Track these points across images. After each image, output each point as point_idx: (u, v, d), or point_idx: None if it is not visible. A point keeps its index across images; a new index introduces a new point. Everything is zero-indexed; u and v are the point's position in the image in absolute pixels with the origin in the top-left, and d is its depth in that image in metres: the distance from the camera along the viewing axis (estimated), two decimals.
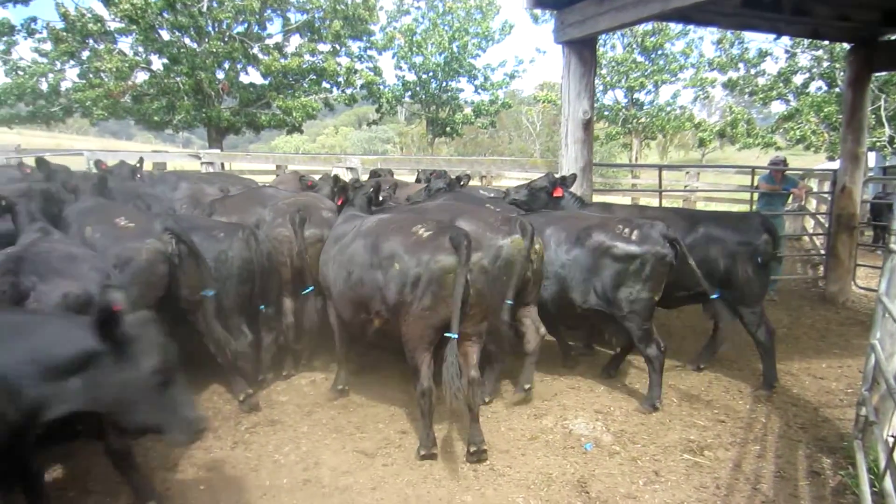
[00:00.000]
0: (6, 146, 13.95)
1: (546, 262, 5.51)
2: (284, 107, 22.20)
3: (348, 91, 24.23)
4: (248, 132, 24.60)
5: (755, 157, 26.50)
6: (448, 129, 29.47)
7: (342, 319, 5.24)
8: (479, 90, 29.14)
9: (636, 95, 29.36)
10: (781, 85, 24.15)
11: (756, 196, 10.51)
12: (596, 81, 7.94)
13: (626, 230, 5.34)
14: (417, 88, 28.44)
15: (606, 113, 29.07)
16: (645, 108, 29.53)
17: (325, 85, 23.88)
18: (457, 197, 6.94)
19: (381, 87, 25.94)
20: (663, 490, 4.17)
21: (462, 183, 8.07)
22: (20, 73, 20.54)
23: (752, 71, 25.27)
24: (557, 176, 6.90)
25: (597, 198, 10.15)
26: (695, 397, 5.75)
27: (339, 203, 5.85)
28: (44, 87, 20.86)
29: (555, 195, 6.74)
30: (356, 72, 23.89)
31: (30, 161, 9.83)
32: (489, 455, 4.49)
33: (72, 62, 21.10)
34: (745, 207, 14.77)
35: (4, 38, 20.44)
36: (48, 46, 20.79)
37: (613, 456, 4.62)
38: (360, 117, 57.47)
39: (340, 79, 23.57)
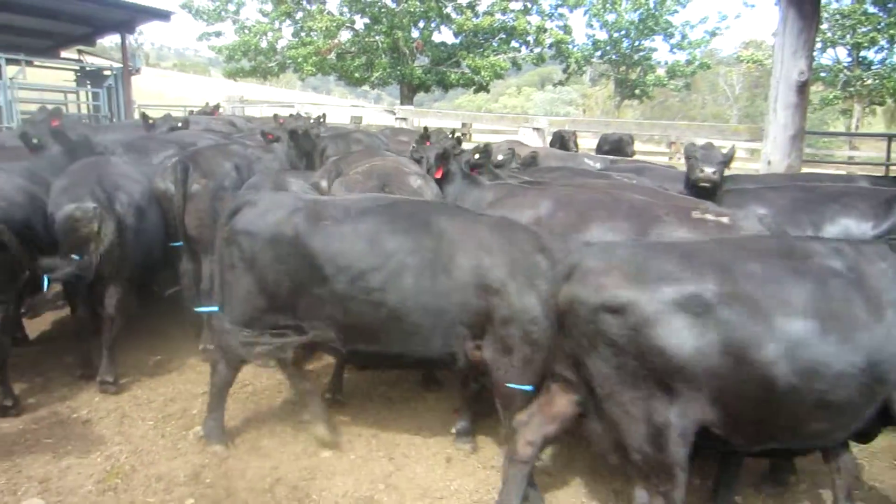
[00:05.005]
0: (233, 96, 16.17)
1: None
2: (474, 66, 22.58)
3: (537, 50, 24.03)
4: (437, 90, 25.41)
5: None
6: (637, 91, 28.16)
7: None
8: (675, 49, 27.44)
9: (863, 53, 25.84)
10: None
11: None
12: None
13: None
14: (608, 48, 27.43)
15: (823, 74, 25.99)
16: (873, 67, 25.92)
17: (514, 44, 23.90)
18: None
19: (571, 46, 25.34)
20: None
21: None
22: (246, 31, 23.09)
23: None
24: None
25: (805, 170, 9.28)
26: None
27: (439, 175, 4.94)
28: (264, 44, 23.24)
29: None
30: (546, 30, 23.55)
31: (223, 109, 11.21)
32: None
33: (288, 22, 23.26)
34: None
35: (236, 0, 23.09)
36: (269, 7, 23.10)
37: None
38: (543, 77, 56.71)
39: (530, 38, 23.41)
